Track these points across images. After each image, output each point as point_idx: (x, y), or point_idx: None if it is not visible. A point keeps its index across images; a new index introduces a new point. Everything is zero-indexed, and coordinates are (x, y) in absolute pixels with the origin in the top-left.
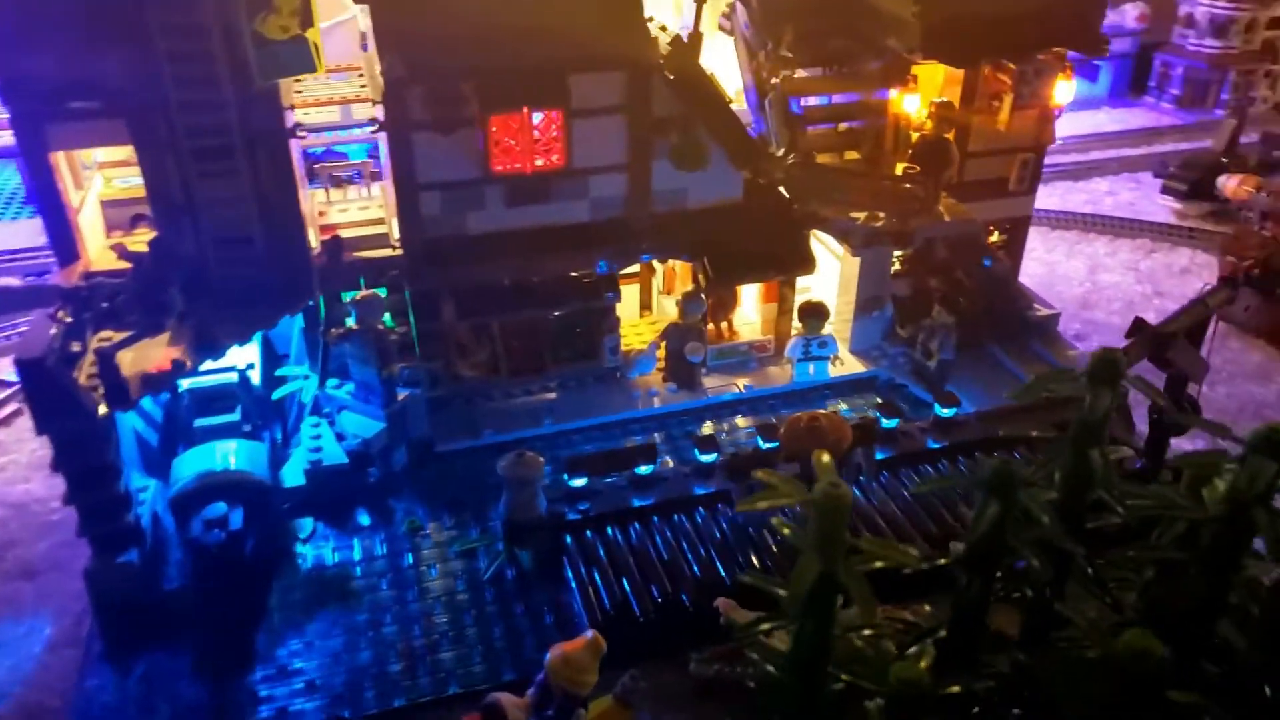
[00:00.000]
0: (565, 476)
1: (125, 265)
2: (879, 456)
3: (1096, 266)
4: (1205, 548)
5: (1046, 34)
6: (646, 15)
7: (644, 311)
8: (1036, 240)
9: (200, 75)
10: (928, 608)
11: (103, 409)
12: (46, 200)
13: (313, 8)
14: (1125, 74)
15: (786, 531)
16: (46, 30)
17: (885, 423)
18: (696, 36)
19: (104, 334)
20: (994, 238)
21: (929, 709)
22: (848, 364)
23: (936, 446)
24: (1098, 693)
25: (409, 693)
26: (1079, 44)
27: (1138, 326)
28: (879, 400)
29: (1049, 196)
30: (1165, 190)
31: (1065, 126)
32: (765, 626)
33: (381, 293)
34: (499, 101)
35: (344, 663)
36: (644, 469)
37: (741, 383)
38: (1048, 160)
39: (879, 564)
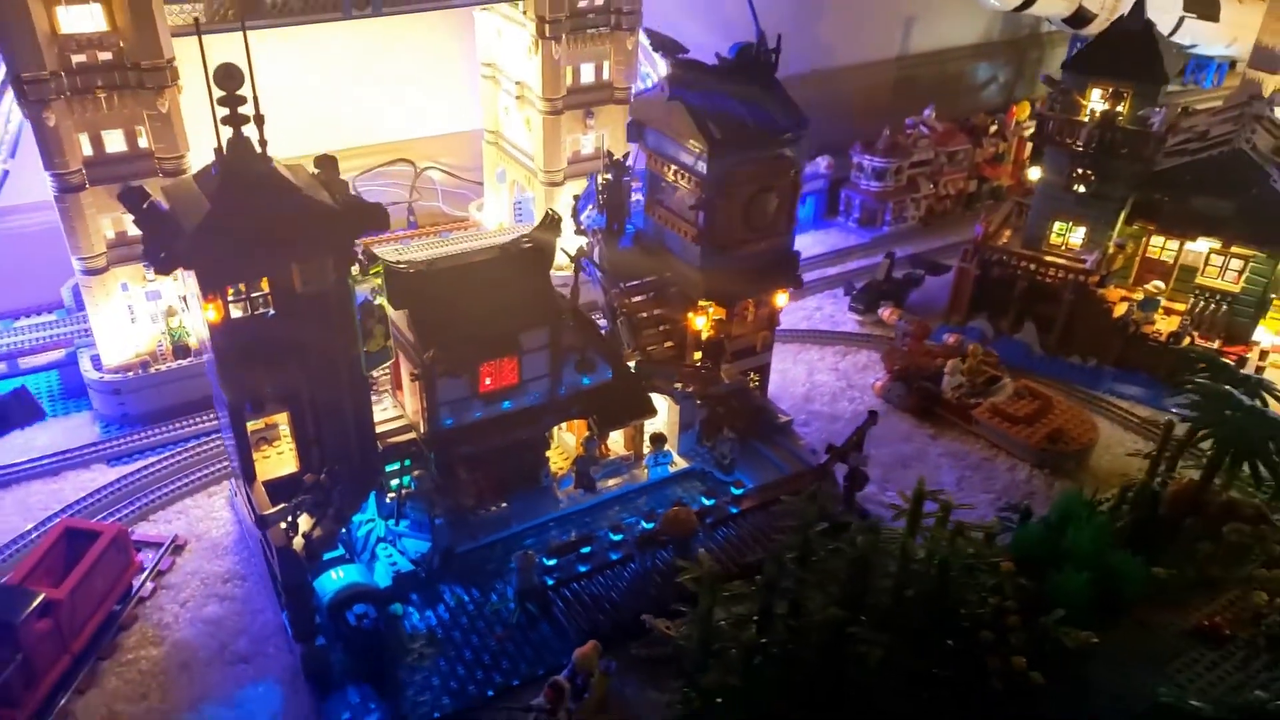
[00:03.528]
0: (543, 558)
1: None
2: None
3: (813, 369)
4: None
5: (769, 280)
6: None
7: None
8: (775, 354)
9: (330, 378)
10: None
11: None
12: (243, 450)
13: (389, 329)
14: (822, 202)
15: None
16: (258, 362)
17: (706, 500)
18: (576, 290)
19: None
20: (753, 378)
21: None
22: (678, 463)
23: (735, 511)
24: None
25: (489, 686)
26: (786, 284)
27: (830, 448)
28: (704, 487)
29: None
30: (851, 309)
31: None
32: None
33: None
34: (486, 355)
35: (451, 670)
36: (585, 549)
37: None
38: None
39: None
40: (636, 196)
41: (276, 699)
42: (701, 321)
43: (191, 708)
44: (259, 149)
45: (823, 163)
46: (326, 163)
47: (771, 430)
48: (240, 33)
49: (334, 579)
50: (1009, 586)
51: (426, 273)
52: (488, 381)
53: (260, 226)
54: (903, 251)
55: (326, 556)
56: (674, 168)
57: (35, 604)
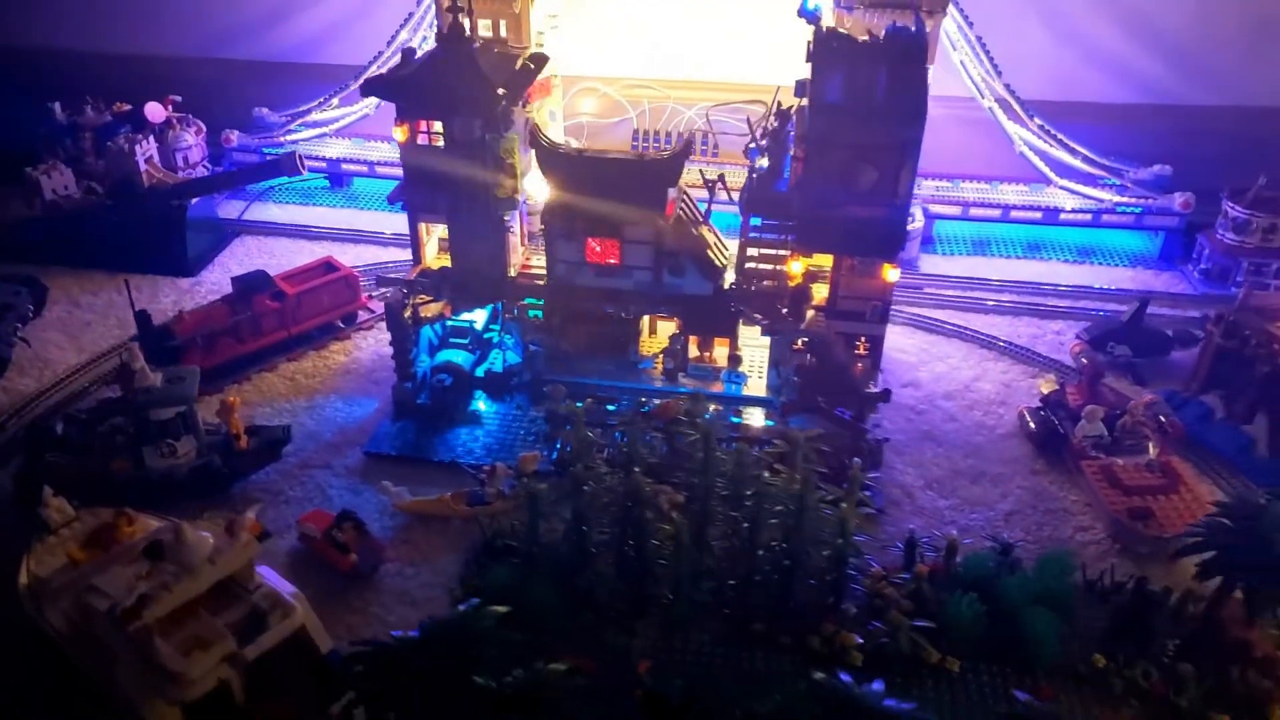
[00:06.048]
0: (576, 402)
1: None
2: None
3: (982, 376)
4: None
5: (861, 246)
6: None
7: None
8: (960, 351)
9: (470, 207)
10: None
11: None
12: (415, 241)
13: (517, 184)
14: (1174, 243)
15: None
16: (428, 180)
17: (734, 419)
18: (708, 210)
19: (420, 298)
20: (862, 346)
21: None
22: (757, 389)
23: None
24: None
25: (485, 460)
26: (884, 253)
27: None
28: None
29: (1005, 325)
30: (1077, 337)
31: (1080, 275)
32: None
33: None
34: (593, 231)
35: (470, 441)
36: (611, 408)
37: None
38: (1029, 298)
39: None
40: None
41: (372, 408)
42: (798, 267)
43: (325, 393)
44: (470, 35)
45: (1178, 199)
46: (538, 59)
47: (859, 397)
48: None
49: (446, 354)
50: (918, 587)
51: (568, 153)
52: (594, 255)
53: (436, 86)
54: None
55: (453, 341)
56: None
57: (271, 287)
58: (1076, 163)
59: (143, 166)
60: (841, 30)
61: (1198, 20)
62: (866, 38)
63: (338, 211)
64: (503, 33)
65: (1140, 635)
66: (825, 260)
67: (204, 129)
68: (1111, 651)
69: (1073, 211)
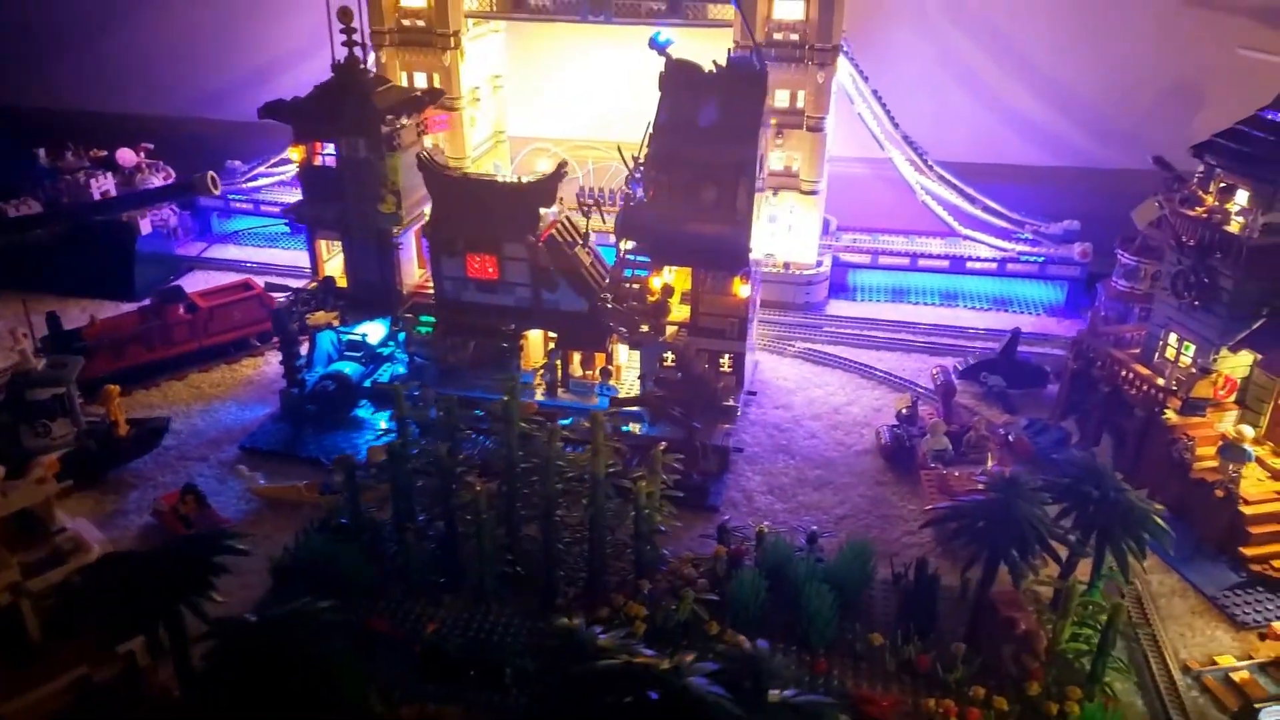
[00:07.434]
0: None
1: (324, 278)
2: None
3: (854, 400)
4: None
5: (711, 259)
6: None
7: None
8: (839, 379)
9: (361, 222)
10: None
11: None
12: (312, 255)
13: (401, 200)
14: (1078, 291)
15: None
16: (322, 198)
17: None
18: (586, 233)
19: (317, 310)
20: (725, 362)
21: None
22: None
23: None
24: None
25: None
26: (729, 266)
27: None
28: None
29: (893, 360)
30: (953, 368)
31: (984, 321)
32: None
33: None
34: (473, 247)
35: (354, 443)
36: (478, 412)
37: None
38: (936, 338)
39: None
40: None
41: (262, 412)
42: (658, 282)
43: (224, 399)
44: (364, 67)
45: (1077, 249)
46: (431, 92)
47: (714, 408)
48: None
49: (337, 365)
50: (713, 567)
51: (451, 175)
52: (475, 270)
53: (325, 109)
54: None
55: (347, 354)
56: None
57: (183, 300)
58: (978, 212)
59: (97, 197)
60: (687, 60)
61: (1111, 90)
62: (712, 69)
63: (293, 253)
64: (436, 85)
65: (922, 617)
66: (687, 283)
67: (172, 174)
68: (895, 632)
69: (978, 260)
